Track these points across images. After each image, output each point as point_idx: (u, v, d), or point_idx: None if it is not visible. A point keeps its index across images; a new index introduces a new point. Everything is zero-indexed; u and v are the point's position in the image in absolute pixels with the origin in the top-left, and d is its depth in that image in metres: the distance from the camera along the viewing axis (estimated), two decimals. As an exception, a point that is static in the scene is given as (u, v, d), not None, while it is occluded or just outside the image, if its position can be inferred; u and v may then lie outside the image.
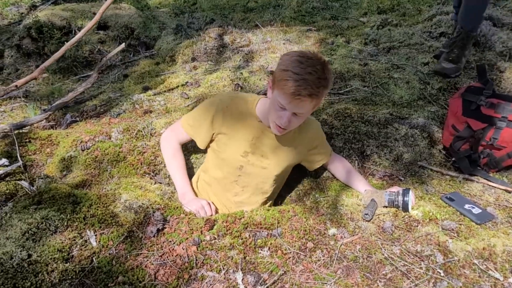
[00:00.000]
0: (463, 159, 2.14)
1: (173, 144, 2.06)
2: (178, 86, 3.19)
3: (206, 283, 1.45)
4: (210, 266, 1.51)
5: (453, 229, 1.72)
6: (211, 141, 2.00)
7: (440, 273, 1.51)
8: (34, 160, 2.28)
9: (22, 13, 5.50)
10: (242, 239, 1.63)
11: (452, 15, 3.46)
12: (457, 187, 2.05)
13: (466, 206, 1.84)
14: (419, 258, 1.58)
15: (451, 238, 1.67)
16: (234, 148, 1.93)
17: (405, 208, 1.80)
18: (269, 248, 1.60)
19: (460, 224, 1.75)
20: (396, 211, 1.83)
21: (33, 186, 1.96)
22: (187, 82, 3.23)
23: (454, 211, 1.85)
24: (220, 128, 1.92)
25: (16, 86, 2.45)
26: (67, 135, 2.45)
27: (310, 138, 2.01)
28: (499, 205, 1.90)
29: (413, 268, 1.53)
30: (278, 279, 1.47)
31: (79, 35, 2.58)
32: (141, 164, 2.12)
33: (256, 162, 1.95)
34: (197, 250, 1.57)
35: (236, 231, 1.67)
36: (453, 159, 2.21)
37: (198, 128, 1.96)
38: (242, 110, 1.92)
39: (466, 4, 2.85)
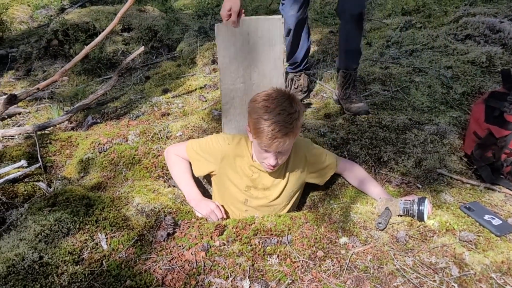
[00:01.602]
0: (485, 167, 2.06)
1: (173, 156, 2.08)
2: (197, 88, 3.21)
3: (213, 290, 1.44)
4: (218, 273, 1.50)
5: (470, 241, 1.65)
6: (211, 175, 2.07)
7: (454, 286, 1.45)
8: (54, 162, 2.33)
9: (51, 16, 5.66)
10: (251, 245, 1.62)
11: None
12: (477, 196, 1.98)
13: (486, 217, 1.77)
14: (433, 270, 1.53)
15: (468, 250, 1.61)
16: (236, 183, 1.98)
17: (421, 218, 1.74)
18: (278, 256, 1.58)
19: (479, 236, 1.68)
20: (411, 220, 1.77)
21: (50, 187, 2.01)
22: (206, 84, 3.24)
23: (473, 221, 1.78)
24: (221, 165, 1.98)
25: (38, 88, 2.52)
26: (86, 137, 2.50)
27: (302, 157, 2.00)
28: (521, 216, 1.82)
29: (426, 281, 1.48)
30: (285, 288, 1.46)
31: (97, 39, 2.63)
32: (155, 167, 2.14)
33: (259, 195, 1.99)
34: (206, 256, 1.57)
35: (246, 237, 1.66)
36: (475, 167, 2.13)
37: (200, 156, 2.00)
38: (242, 148, 1.97)
39: (346, 49, 2.67)
